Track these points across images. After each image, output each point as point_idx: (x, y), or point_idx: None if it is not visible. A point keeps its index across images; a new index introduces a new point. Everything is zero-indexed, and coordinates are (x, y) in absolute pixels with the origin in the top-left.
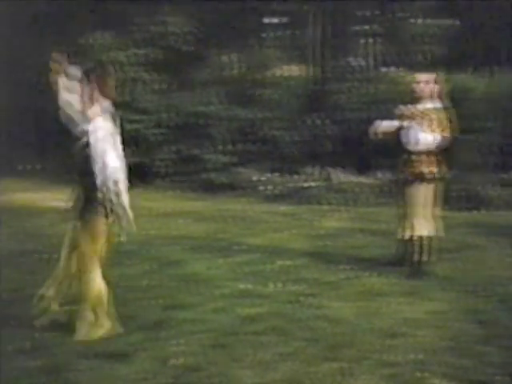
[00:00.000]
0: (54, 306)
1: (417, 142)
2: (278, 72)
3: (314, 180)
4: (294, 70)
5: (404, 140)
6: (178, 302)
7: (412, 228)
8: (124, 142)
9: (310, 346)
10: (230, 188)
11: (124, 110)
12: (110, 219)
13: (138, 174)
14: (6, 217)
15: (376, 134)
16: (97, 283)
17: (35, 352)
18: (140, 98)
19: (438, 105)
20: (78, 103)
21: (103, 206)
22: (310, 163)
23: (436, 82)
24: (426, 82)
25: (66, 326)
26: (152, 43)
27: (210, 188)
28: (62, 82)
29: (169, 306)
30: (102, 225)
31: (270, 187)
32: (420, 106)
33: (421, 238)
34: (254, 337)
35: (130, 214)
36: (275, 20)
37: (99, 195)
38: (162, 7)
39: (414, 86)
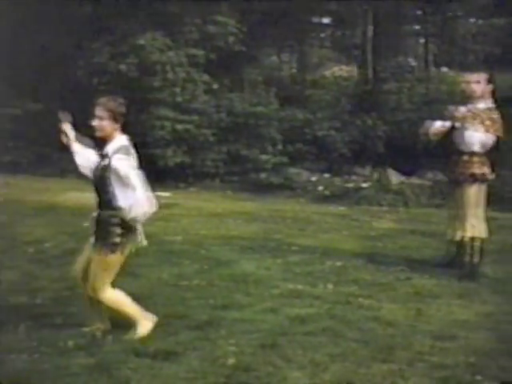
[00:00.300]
0: None
1: (469, 143)
2: (329, 72)
3: (365, 181)
4: (345, 71)
5: (456, 141)
6: (230, 301)
7: (463, 229)
8: (176, 143)
9: (361, 348)
10: (282, 188)
11: (176, 111)
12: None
13: (189, 174)
14: (63, 216)
15: (427, 134)
16: (111, 294)
17: (89, 350)
18: (192, 98)
19: (490, 105)
20: (95, 156)
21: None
22: (361, 164)
23: (488, 82)
24: (477, 81)
25: (117, 324)
26: (204, 44)
27: (262, 188)
28: (75, 146)
29: (220, 305)
30: (117, 258)
31: (321, 188)
32: (472, 106)
33: (472, 239)
34: (305, 337)
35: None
36: (327, 20)
37: (116, 220)
38: (214, 7)
39: (465, 85)
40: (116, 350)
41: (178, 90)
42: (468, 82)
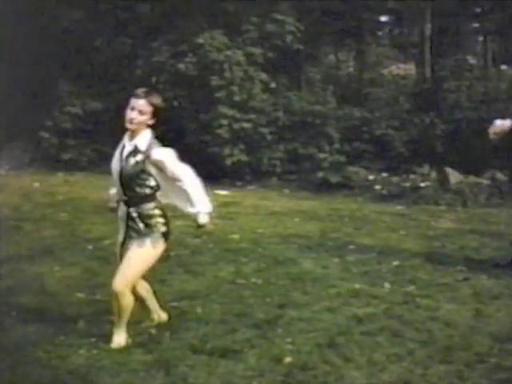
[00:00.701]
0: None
1: None
2: (387, 71)
3: (423, 180)
4: (403, 69)
5: None
6: (287, 300)
7: None
8: (233, 141)
9: (419, 348)
10: (339, 187)
11: (233, 109)
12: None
13: (247, 173)
14: None
15: (496, 133)
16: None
17: (147, 346)
18: (250, 97)
19: None
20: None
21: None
22: (419, 163)
23: None
24: None
25: (179, 324)
26: (262, 42)
27: (319, 187)
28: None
29: (277, 304)
30: (161, 250)
31: (379, 187)
32: None
33: None
34: (363, 337)
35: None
36: (385, 18)
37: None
38: (273, 6)
39: None
40: (174, 347)
41: (235, 88)
42: None
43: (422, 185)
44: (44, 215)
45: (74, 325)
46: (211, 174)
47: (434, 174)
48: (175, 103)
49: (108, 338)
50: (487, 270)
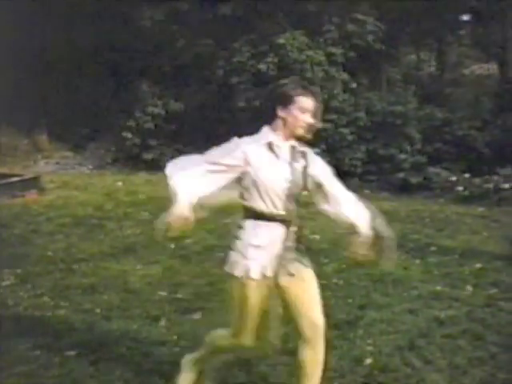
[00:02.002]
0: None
1: None
2: (469, 70)
3: (506, 181)
4: (485, 69)
5: None
6: (368, 301)
7: None
8: (314, 141)
9: (502, 352)
10: (420, 188)
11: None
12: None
13: None
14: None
15: None
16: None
17: None
18: (330, 97)
19: None
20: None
21: None
22: (502, 164)
23: None
24: None
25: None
26: (342, 42)
27: (400, 188)
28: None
29: (358, 305)
30: None
31: (460, 188)
32: None
33: None
34: (444, 340)
35: None
36: (466, 17)
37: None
38: (354, 6)
39: None
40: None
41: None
42: None
43: (505, 186)
44: (126, 214)
45: (156, 323)
46: None
47: None
48: (256, 103)
49: (188, 335)
50: None
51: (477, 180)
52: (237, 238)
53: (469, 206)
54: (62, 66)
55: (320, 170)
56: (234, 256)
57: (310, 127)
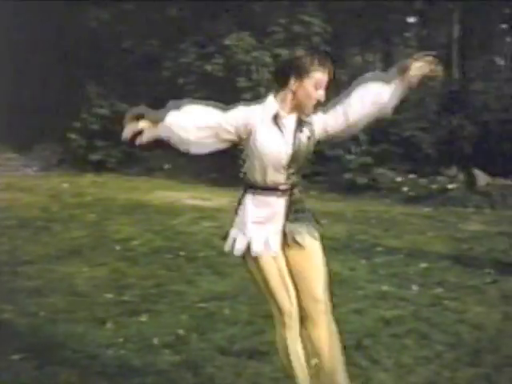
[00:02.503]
0: None
1: None
2: None
3: (451, 182)
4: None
5: None
6: None
7: None
8: None
9: (447, 351)
10: (367, 189)
11: None
12: None
13: None
14: (150, 214)
15: None
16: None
17: (175, 347)
18: None
19: None
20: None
21: None
22: (447, 165)
23: None
24: None
25: (207, 325)
26: (289, 43)
27: (347, 189)
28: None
29: None
30: None
31: (406, 188)
32: None
33: None
34: (393, 339)
35: None
36: (412, 19)
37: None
38: (300, 7)
39: None
40: (202, 348)
41: (263, 89)
42: None
43: (450, 187)
44: (72, 216)
45: (103, 325)
46: (238, 176)
47: (461, 176)
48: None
49: (135, 338)
50: None
51: (422, 180)
52: (236, 213)
53: (415, 206)
54: (6, 66)
55: (321, 120)
56: (233, 233)
57: (318, 103)
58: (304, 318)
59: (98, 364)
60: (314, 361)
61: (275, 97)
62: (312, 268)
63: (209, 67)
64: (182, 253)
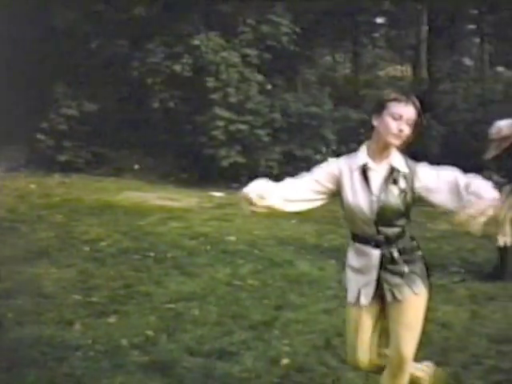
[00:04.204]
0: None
1: None
2: (383, 72)
3: None
4: (399, 71)
5: None
6: (284, 302)
7: None
8: (229, 143)
9: (420, 350)
10: None
11: (230, 111)
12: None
13: (243, 175)
14: (119, 215)
15: (499, 135)
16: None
17: (143, 348)
18: (246, 98)
19: None
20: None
21: None
22: (417, 163)
23: None
24: None
25: (176, 326)
26: (258, 44)
27: None
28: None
29: (274, 306)
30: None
31: None
32: None
33: None
34: None
35: None
36: (381, 20)
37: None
38: (269, 7)
39: None
40: (170, 349)
41: (232, 90)
42: None
43: None
44: (40, 217)
45: (71, 327)
46: (207, 176)
47: None
48: (171, 104)
49: (103, 339)
50: (484, 272)
51: None
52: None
53: None
54: None
55: (423, 184)
56: (344, 275)
57: (402, 136)
58: (387, 367)
59: (67, 366)
60: None
61: (367, 146)
62: (403, 324)
63: (177, 67)
64: (150, 253)
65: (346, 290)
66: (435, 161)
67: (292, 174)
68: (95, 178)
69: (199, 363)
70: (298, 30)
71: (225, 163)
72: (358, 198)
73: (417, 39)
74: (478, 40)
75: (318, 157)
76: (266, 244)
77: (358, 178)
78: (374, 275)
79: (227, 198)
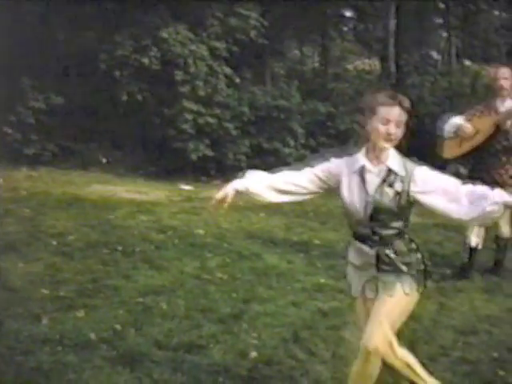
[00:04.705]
0: None
1: None
2: (352, 66)
3: None
4: (367, 64)
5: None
6: (252, 295)
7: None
8: (198, 136)
9: None
10: None
11: (198, 104)
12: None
13: (212, 168)
14: (87, 209)
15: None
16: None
17: (111, 343)
18: (214, 92)
19: None
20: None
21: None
22: None
23: None
24: (504, 78)
25: (144, 320)
26: (226, 37)
27: None
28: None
29: (242, 299)
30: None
31: None
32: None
33: (498, 237)
34: (331, 331)
35: None
36: (349, 13)
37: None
38: (237, 0)
39: (492, 82)
40: (139, 343)
41: (200, 83)
42: (496, 79)
43: None
44: (7, 211)
45: (38, 321)
46: (176, 169)
47: None
48: (139, 97)
49: (71, 333)
50: (451, 264)
51: None
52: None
53: None
54: None
55: (419, 187)
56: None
57: (392, 139)
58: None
59: (34, 360)
60: None
61: (366, 148)
62: (381, 317)
63: (145, 60)
64: (118, 247)
65: (348, 285)
66: (404, 154)
67: (260, 167)
68: (63, 171)
69: (168, 357)
70: (266, 23)
71: (193, 156)
72: (354, 198)
73: (385, 33)
74: (445, 34)
75: (286, 150)
76: (234, 237)
77: (355, 179)
78: (373, 272)
79: (196, 191)
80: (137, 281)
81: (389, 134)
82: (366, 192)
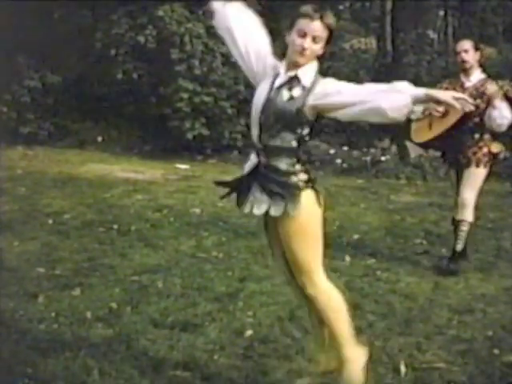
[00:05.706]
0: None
1: (502, 121)
2: (348, 45)
3: (383, 154)
4: (364, 43)
5: (491, 119)
6: (248, 274)
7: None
8: (194, 115)
9: (379, 321)
10: None
11: (194, 83)
12: None
13: (207, 147)
14: (82, 188)
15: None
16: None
17: (107, 321)
18: (210, 70)
19: (483, 76)
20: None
21: None
22: (380, 137)
23: (476, 50)
24: (464, 50)
25: (140, 298)
26: None
27: None
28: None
29: (238, 277)
30: None
31: (339, 161)
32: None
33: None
34: None
35: None
36: None
37: None
38: None
39: (463, 54)
40: (135, 321)
41: (196, 62)
42: (457, 53)
43: (383, 159)
44: (3, 189)
45: (34, 300)
46: (172, 148)
47: (394, 148)
48: (135, 76)
49: (67, 312)
50: (446, 243)
51: (355, 153)
52: None
53: (347, 178)
54: None
55: (317, 91)
56: None
57: (306, 53)
58: None
59: (30, 339)
60: None
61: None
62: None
63: (141, 38)
64: (114, 226)
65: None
66: (400, 133)
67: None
68: (58, 150)
69: (163, 335)
70: (263, 1)
71: (189, 135)
72: (257, 96)
73: (381, 11)
74: (442, 13)
75: None
76: (230, 216)
77: (268, 81)
78: (249, 184)
79: (192, 170)
80: (133, 259)
81: (303, 48)
82: (264, 95)
